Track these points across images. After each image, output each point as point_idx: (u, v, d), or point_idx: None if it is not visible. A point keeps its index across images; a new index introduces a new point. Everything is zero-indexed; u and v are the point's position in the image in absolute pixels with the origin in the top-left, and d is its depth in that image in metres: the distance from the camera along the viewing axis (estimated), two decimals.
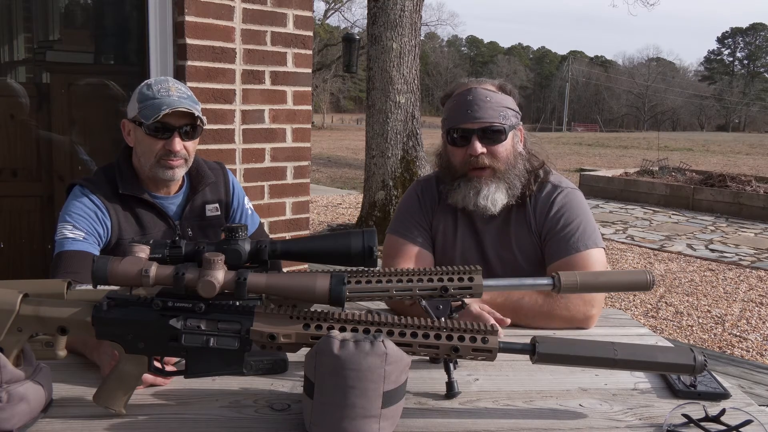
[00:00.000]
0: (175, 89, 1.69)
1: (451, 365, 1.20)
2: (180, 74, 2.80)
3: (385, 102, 6.97)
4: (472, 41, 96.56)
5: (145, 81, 1.73)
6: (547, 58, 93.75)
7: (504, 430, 1.09)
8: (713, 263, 6.68)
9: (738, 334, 4.58)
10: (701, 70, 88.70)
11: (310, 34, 3.22)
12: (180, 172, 1.74)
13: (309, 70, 3.24)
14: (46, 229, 3.37)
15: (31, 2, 3.92)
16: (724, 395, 1.22)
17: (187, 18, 2.75)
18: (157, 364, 1.08)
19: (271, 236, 3.09)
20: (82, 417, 1.08)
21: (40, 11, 3.94)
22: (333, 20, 47.80)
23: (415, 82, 7.10)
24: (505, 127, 1.65)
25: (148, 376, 1.15)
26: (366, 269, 1.05)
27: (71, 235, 1.61)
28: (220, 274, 0.98)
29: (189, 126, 1.69)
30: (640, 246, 7.42)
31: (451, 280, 1.07)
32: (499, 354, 1.03)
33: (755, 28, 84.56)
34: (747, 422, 1.09)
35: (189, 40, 2.77)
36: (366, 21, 7.33)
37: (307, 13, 3.17)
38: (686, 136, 37.06)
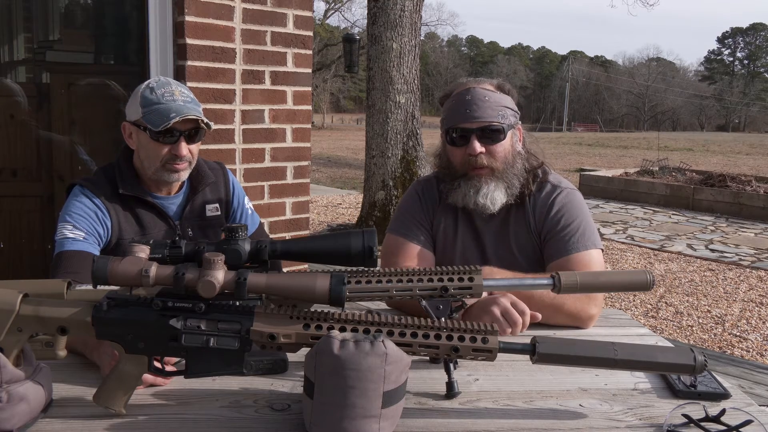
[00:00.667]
0: (179, 93, 1.69)
1: (451, 365, 1.20)
2: (180, 74, 2.80)
3: (385, 102, 6.97)
4: (472, 41, 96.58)
5: (146, 83, 1.72)
6: (547, 58, 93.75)
7: (504, 430, 1.09)
8: (713, 263, 6.68)
9: (738, 334, 4.58)
10: (701, 70, 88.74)
11: (310, 34, 3.22)
12: (184, 175, 1.74)
13: (309, 70, 3.24)
14: (46, 229, 3.37)
15: (31, 2, 3.92)
16: (724, 395, 1.22)
17: (187, 18, 2.75)
18: (157, 364, 1.08)
19: (271, 236, 3.09)
20: (82, 417, 1.08)
21: (40, 11, 3.94)
22: (333, 20, 47.84)
23: (415, 82, 7.10)
24: (504, 126, 1.66)
25: (148, 376, 1.15)
26: (366, 269, 1.05)
27: (71, 235, 1.61)
28: (220, 274, 0.98)
29: (194, 129, 1.70)
30: (640, 246, 7.42)
31: (451, 280, 1.07)
32: (499, 354, 1.03)
33: (755, 28, 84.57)
34: (747, 422, 1.09)
35: (189, 40, 2.77)
36: (366, 21, 7.33)
37: (307, 13, 3.17)
38: (686, 136, 37.07)
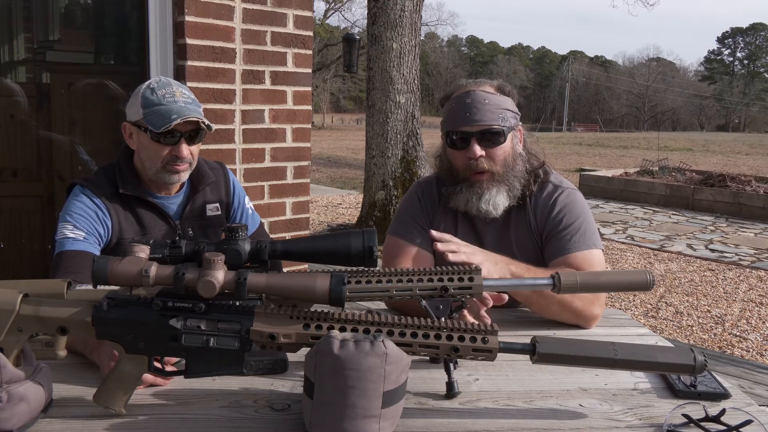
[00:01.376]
0: (180, 94, 1.69)
1: (451, 365, 1.20)
2: (180, 74, 2.80)
3: (385, 102, 6.97)
4: (472, 41, 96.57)
5: (147, 83, 1.71)
6: (547, 58, 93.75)
7: (504, 430, 1.09)
8: (713, 263, 6.68)
9: (738, 334, 4.58)
10: (701, 70, 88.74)
11: (310, 34, 3.22)
12: (185, 176, 1.74)
13: (309, 70, 3.24)
14: (46, 229, 3.37)
15: (31, 2, 3.92)
16: (724, 395, 1.22)
17: (187, 18, 2.75)
18: (157, 364, 1.08)
19: (271, 236, 3.09)
20: (82, 417, 1.08)
21: (40, 11, 3.94)
22: (333, 20, 47.82)
23: (415, 82, 7.10)
24: (504, 129, 1.65)
25: (148, 376, 1.15)
26: (366, 269, 1.05)
27: (71, 235, 1.61)
28: (220, 274, 0.98)
29: (194, 131, 1.70)
30: (640, 246, 7.42)
31: (451, 280, 1.08)
32: (499, 354, 1.03)
33: (755, 28, 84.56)
34: (747, 422, 1.09)
35: (189, 40, 2.77)
36: (366, 21, 7.33)
37: (307, 13, 3.17)
38: (686, 136, 37.06)
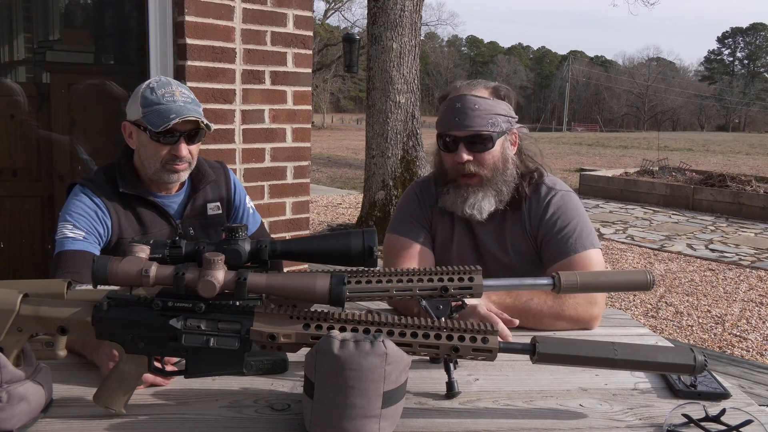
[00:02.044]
0: (180, 93, 1.69)
1: (451, 365, 1.20)
2: (180, 74, 2.80)
3: (385, 102, 6.97)
4: (472, 41, 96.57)
5: (147, 82, 1.72)
6: (547, 58, 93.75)
7: (504, 430, 1.09)
8: (713, 263, 6.68)
9: (738, 334, 4.58)
10: (701, 70, 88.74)
11: (310, 34, 3.22)
12: (184, 175, 1.74)
13: (309, 70, 3.24)
14: (46, 229, 3.37)
15: (31, 2, 3.92)
16: (724, 395, 1.22)
17: (187, 18, 2.75)
18: (157, 364, 1.08)
19: (272, 236, 3.09)
20: (82, 417, 1.08)
21: (40, 11, 3.94)
22: (333, 20, 47.84)
23: (415, 82, 7.10)
24: (493, 134, 1.64)
25: (148, 376, 1.15)
26: (366, 269, 1.05)
27: (71, 235, 1.61)
28: (220, 274, 0.98)
29: (194, 130, 1.70)
30: (640, 246, 7.42)
31: (451, 280, 1.07)
32: (499, 354, 1.03)
33: (755, 28, 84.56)
34: (747, 422, 1.09)
35: (189, 40, 2.77)
36: (366, 21, 7.33)
37: (307, 13, 3.17)
38: (686, 136, 37.06)
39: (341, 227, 7.98)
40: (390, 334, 1.02)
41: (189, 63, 2.78)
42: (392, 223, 1.84)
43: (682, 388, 1.23)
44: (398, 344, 1.00)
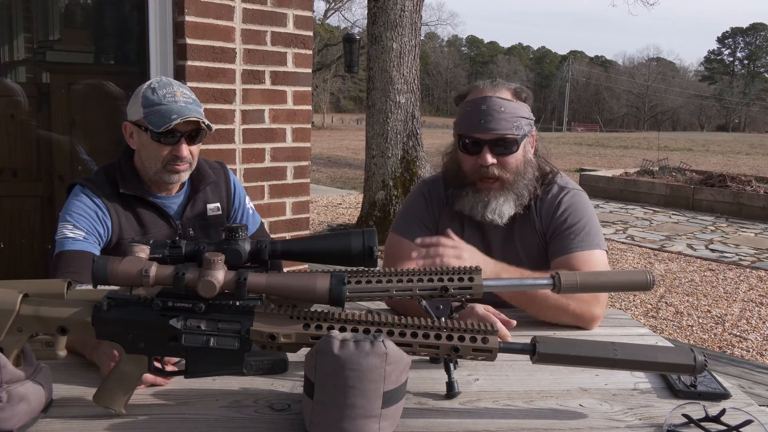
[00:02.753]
0: (181, 93, 1.69)
1: (451, 365, 1.20)
2: (180, 74, 2.80)
3: (385, 102, 6.97)
4: (472, 41, 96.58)
5: (148, 83, 1.72)
6: (547, 58, 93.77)
7: (504, 430, 1.09)
8: (713, 263, 6.68)
9: (738, 334, 4.58)
10: (701, 70, 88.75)
11: (310, 34, 3.22)
12: (185, 176, 1.74)
13: (309, 70, 3.24)
14: (46, 229, 3.37)
15: (31, 2, 3.92)
16: (724, 395, 1.22)
17: (187, 18, 2.75)
18: (157, 364, 1.08)
19: (272, 236, 3.09)
20: (82, 417, 1.08)
21: (40, 11, 3.94)
22: (333, 20, 47.81)
23: (415, 82, 7.10)
24: (518, 138, 1.64)
25: (148, 376, 1.15)
26: (366, 269, 1.05)
27: (71, 235, 1.61)
28: (220, 274, 0.98)
29: (195, 131, 1.70)
30: (640, 246, 7.42)
31: (451, 280, 1.08)
32: (499, 354, 1.03)
33: (755, 28, 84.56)
34: (747, 422, 1.09)
35: (189, 40, 2.77)
36: (366, 21, 7.33)
37: (307, 13, 3.17)
38: (686, 136, 37.05)
39: (341, 227, 7.98)
40: (390, 334, 1.02)
41: (189, 63, 2.78)
42: (396, 223, 1.83)
43: (682, 388, 1.23)
44: (398, 344, 1.00)
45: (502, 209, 1.66)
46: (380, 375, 0.97)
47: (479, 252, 1.53)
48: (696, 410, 1.13)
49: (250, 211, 1.97)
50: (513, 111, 1.63)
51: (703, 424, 1.10)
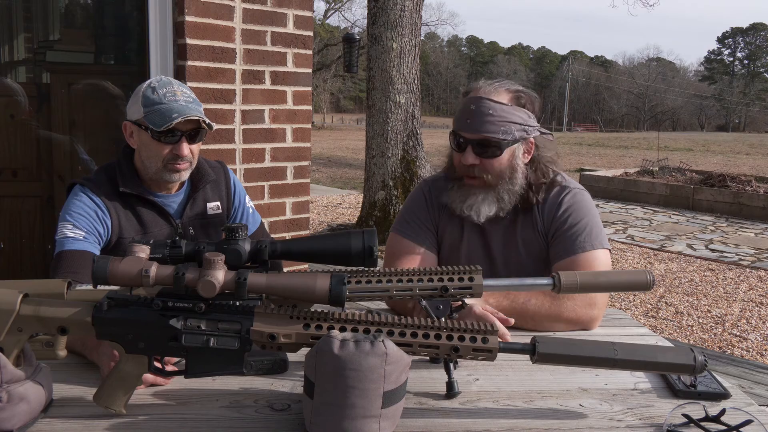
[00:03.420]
0: (181, 93, 1.69)
1: (451, 365, 1.20)
2: (180, 74, 2.80)
3: (385, 102, 6.97)
4: (472, 41, 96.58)
5: (148, 82, 1.72)
6: (547, 58, 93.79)
7: (504, 430, 1.09)
8: (713, 263, 6.68)
9: (738, 334, 4.58)
10: (701, 70, 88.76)
11: (310, 34, 3.22)
12: (185, 175, 1.74)
13: (309, 70, 3.24)
14: (46, 229, 3.37)
15: (31, 2, 3.92)
16: (724, 395, 1.22)
17: (187, 18, 2.75)
18: (157, 364, 1.08)
19: (272, 236, 3.09)
20: (82, 417, 1.08)
21: (40, 11, 3.94)
22: (333, 20, 47.84)
23: (415, 82, 7.10)
24: (503, 142, 1.62)
25: (148, 376, 1.15)
26: (366, 269, 1.05)
27: (72, 235, 1.61)
28: (220, 274, 0.98)
29: (195, 130, 1.70)
30: (640, 246, 7.42)
31: (451, 280, 1.07)
32: (499, 354, 1.03)
33: (755, 28, 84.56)
34: (747, 422, 1.09)
35: (189, 40, 2.77)
36: (366, 21, 7.33)
37: (307, 13, 3.17)
38: (686, 136, 37.05)
39: (341, 227, 7.98)
40: (390, 334, 1.02)
41: (189, 63, 2.78)
42: (397, 223, 1.83)
43: (682, 388, 1.23)
44: (398, 344, 1.00)
45: (480, 207, 1.66)
46: (380, 375, 0.97)
47: None
48: (696, 410, 1.13)
49: (250, 210, 1.97)
50: (503, 115, 1.61)
51: (703, 424, 1.10)
